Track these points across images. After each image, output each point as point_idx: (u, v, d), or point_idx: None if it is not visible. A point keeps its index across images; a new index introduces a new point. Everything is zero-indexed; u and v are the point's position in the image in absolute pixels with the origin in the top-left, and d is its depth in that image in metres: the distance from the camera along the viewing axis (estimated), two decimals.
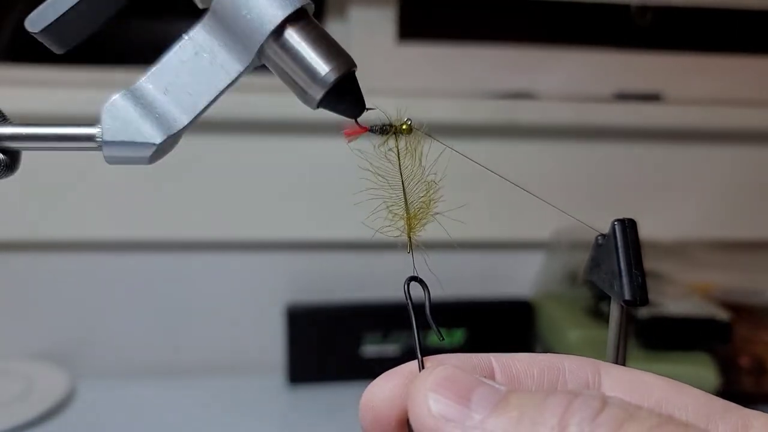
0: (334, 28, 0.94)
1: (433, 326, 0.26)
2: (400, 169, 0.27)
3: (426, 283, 0.27)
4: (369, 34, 0.91)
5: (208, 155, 0.84)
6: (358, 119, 0.28)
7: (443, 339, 0.26)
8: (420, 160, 0.28)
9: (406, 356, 0.80)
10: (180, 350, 0.87)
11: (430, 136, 0.28)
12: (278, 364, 0.85)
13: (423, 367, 0.25)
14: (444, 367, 0.23)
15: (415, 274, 0.27)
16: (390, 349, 0.80)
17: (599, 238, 0.28)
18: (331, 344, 0.84)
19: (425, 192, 0.28)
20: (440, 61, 0.95)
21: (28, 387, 0.79)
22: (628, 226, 0.27)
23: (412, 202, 0.27)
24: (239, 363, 0.85)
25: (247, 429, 0.76)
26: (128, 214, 0.85)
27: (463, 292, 0.88)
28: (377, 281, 0.82)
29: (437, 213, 0.28)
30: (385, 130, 0.28)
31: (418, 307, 0.27)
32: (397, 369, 0.26)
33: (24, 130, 0.28)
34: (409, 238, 0.28)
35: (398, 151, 0.27)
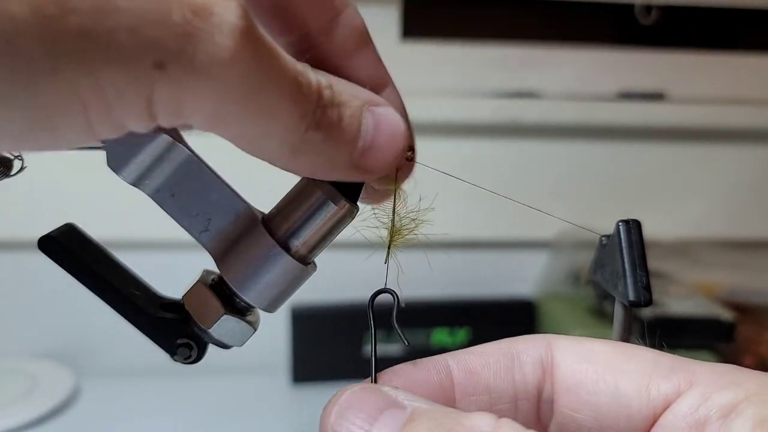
0: None
1: (398, 332, 0.27)
2: (395, 192, 0.27)
3: (395, 292, 0.27)
4: (373, 33, 0.91)
5: (207, 155, 0.84)
6: None
7: (408, 344, 0.26)
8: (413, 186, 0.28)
9: (408, 356, 0.80)
10: None
11: (428, 166, 0.28)
12: (282, 363, 0.85)
13: (375, 381, 0.26)
14: (350, 392, 0.23)
15: (387, 287, 0.27)
16: (392, 348, 0.80)
17: (603, 238, 0.28)
18: (334, 344, 0.84)
19: (414, 211, 0.28)
20: (444, 60, 0.95)
21: (33, 386, 0.79)
22: (633, 226, 0.27)
23: (399, 215, 0.27)
24: (243, 363, 0.85)
25: (251, 428, 0.76)
26: (131, 213, 0.85)
27: (466, 291, 0.88)
28: (380, 281, 0.81)
29: (422, 234, 0.28)
30: None
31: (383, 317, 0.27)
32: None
33: None
34: (389, 248, 0.28)
35: (396, 175, 0.27)
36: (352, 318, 0.83)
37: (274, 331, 0.85)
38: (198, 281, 0.29)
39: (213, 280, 0.29)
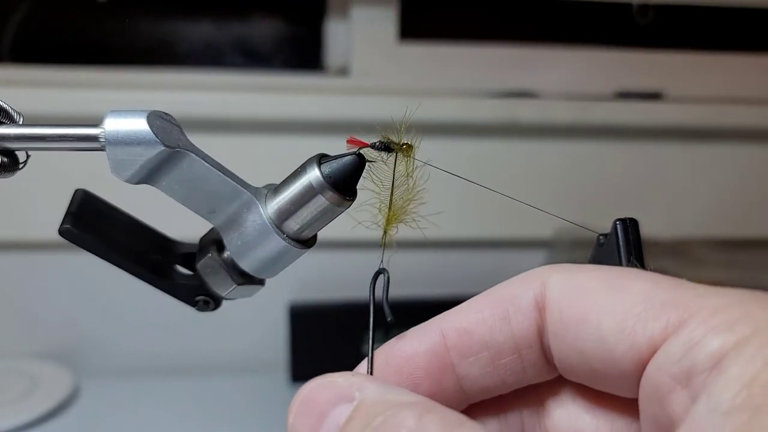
0: (335, 27, 0.95)
1: (387, 310, 0.26)
2: (392, 183, 0.28)
3: (387, 271, 0.27)
4: (370, 34, 0.92)
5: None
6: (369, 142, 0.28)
7: (393, 320, 0.26)
8: (412, 178, 0.28)
9: None
10: (183, 349, 0.88)
11: (427, 163, 0.28)
12: (281, 362, 0.85)
13: (371, 366, 0.25)
14: (306, 391, 0.23)
15: (383, 267, 0.27)
16: None
17: (601, 237, 0.28)
18: (333, 342, 0.84)
19: (409, 195, 0.28)
20: (441, 61, 0.95)
21: (32, 386, 0.79)
22: (630, 225, 0.27)
23: (395, 202, 0.28)
24: (242, 361, 0.85)
25: (251, 427, 0.76)
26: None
27: (465, 290, 0.88)
28: (380, 280, 0.81)
29: (417, 214, 0.28)
30: (386, 147, 0.28)
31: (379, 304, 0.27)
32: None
33: (28, 131, 0.28)
34: (385, 232, 0.28)
35: (395, 167, 0.27)
36: (350, 316, 0.83)
37: (272, 329, 0.86)
38: (209, 254, 0.31)
39: (219, 248, 0.31)
